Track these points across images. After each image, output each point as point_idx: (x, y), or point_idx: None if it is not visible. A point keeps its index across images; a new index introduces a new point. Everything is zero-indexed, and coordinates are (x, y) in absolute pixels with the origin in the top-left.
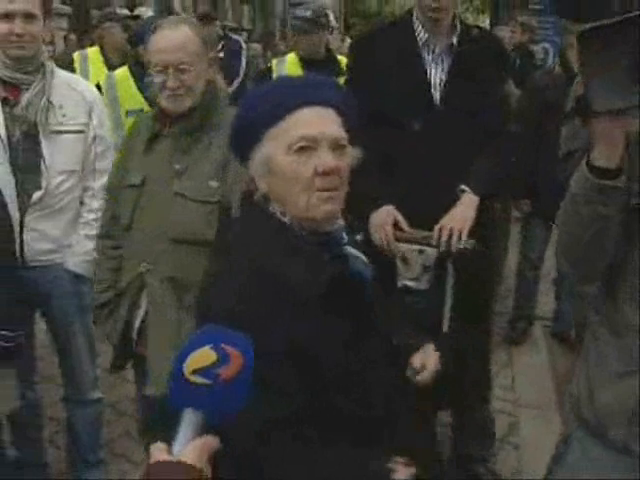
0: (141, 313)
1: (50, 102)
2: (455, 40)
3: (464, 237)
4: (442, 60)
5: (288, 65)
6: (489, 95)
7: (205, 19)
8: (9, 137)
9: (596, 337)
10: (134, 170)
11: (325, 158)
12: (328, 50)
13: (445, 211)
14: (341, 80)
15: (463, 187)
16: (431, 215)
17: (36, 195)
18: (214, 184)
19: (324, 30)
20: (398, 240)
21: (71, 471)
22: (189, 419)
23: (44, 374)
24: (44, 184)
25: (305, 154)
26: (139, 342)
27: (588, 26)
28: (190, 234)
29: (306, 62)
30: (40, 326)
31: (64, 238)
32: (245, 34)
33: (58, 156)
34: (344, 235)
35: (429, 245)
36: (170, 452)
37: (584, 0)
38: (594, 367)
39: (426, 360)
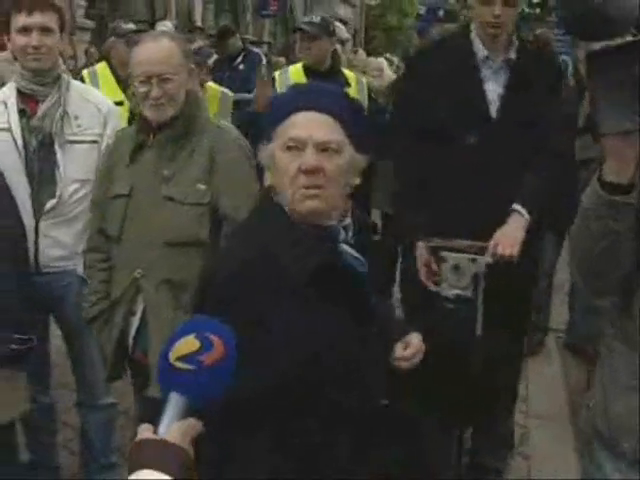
0: (136, 320)
1: (66, 113)
2: (513, 55)
3: (516, 251)
4: (500, 74)
5: (291, 75)
6: (545, 110)
7: (225, 34)
8: (26, 147)
9: (610, 350)
10: (120, 181)
11: (307, 158)
12: (334, 61)
13: (497, 223)
14: (348, 89)
15: (516, 207)
16: (484, 227)
17: (50, 203)
18: (202, 187)
19: (330, 37)
20: (446, 249)
21: (83, 474)
22: (174, 402)
23: (60, 380)
24: (58, 192)
25: (294, 153)
26: (135, 349)
27: (596, 48)
28: (184, 236)
29: (311, 72)
30: (56, 332)
31: (76, 245)
32: (265, 47)
33: (72, 165)
34: (342, 232)
35: (476, 253)
36: (155, 433)
37: (585, 18)
38: (608, 379)
39: (409, 343)
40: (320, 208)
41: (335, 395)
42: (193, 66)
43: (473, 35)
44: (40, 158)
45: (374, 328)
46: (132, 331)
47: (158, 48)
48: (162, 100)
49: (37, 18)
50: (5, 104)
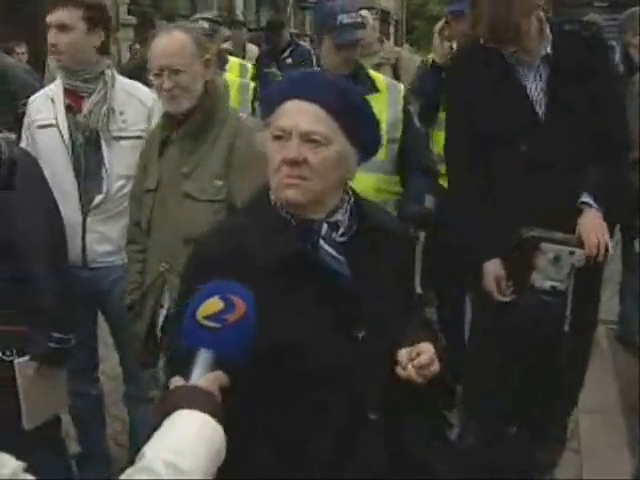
0: (164, 311)
1: (111, 109)
2: (549, 48)
3: (604, 243)
4: (540, 71)
5: None
6: (598, 99)
7: (276, 27)
8: (73, 143)
9: None
10: (150, 175)
11: (289, 148)
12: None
13: (565, 217)
14: (375, 96)
15: (587, 200)
16: (553, 223)
17: (97, 199)
18: (219, 183)
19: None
20: (544, 240)
21: None
22: (202, 357)
23: (108, 373)
24: (105, 188)
25: (280, 142)
26: (163, 339)
27: None
28: (199, 233)
29: None
30: (103, 325)
31: (122, 240)
32: (307, 40)
33: (118, 161)
34: (325, 227)
35: (574, 245)
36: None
37: None
38: None
39: (417, 353)
40: (299, 199)
41: (317, 393)
42: (209, 57)
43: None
44: (87, 154)
45: (361, 332)
46: (160, 322)
47: (170, 41)
48: (175, 92)
49: (56, 15)
50: (52, 101)
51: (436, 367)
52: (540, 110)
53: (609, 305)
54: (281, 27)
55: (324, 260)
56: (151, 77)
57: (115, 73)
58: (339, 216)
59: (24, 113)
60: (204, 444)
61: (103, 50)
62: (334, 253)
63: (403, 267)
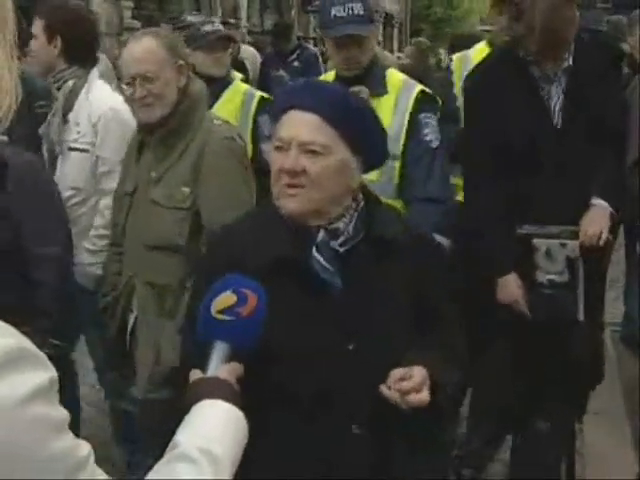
0: (133, 317)
1: (67, 120)
2: (571, 59)
3: (604, 236)
4: (560, 82)
5: None
6: (610, 107)
7: (283, 30)
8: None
9: None
10: (129, 179)
11: (288, 159)
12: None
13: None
14: (381, 100)
15: (595, 201)
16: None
17: None
18: (186, 190)
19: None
20: (536, 236)
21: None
22: (218, 349)
23: None
24: None
25: (281, 152)
26: (132, 344)
27: None
28: (163, 240)
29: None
30: None
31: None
32: (311, 42)
33: (69, 171)
34: (322, 235)
35: (568, 238)
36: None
37: None
38: None
39: (409, 375)
40: (299, 209)
41: (300, 401)
42: (182, 62)
43: (522, 47)
44: (49, 164)
45: (351, 344)
46: (129, 327)
47: (139, 47)
48: (148, 100)
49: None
50: None
51: (423, 396)
52: (558, 120)
53: (613, 307)
54: (288, 30)
55: (315, 269)
56: (124, 86)
57: (91, 82)
58: (340, 224)
59: (44, 115)
60: (231, 431)
61: (71, 58)
62: (324, 262)
63: (418, 282)
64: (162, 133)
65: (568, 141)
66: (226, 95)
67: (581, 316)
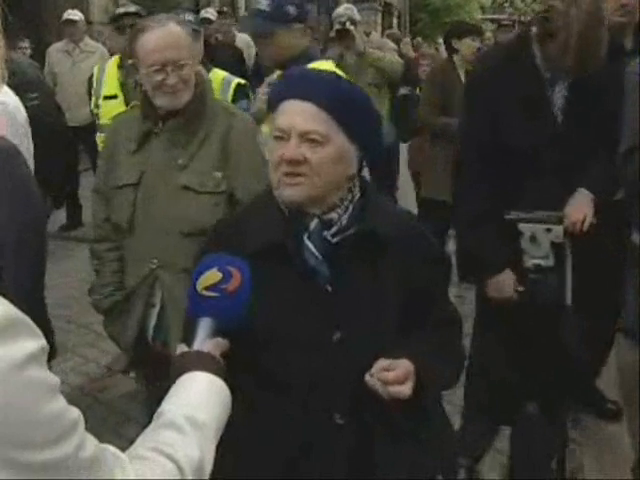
0: (156, 311)
1: None
2: None
3: (588, 221)
4: (563, 81)
5: None
6: (609, 102)
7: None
8: None
9: None
10: (126, 169)
11: (289, 148)
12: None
13: None
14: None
15: (581, 190)
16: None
17: None
18: (218, 175)
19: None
20: (522, 221)
21: None
22: (204, 324)
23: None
24: None
25: (280, 142)
26: (155, 339)
27: None
28: (200, 226)
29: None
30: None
31: None
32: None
33: None
34: (315, 223)
35: (554, 223)
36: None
37: None
38: None
39: (395, 365)
40: (298, 198)
41: (282, 388)
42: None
43: (535, 47)
44: None
45: (336, 334)
46: (152, 322)
47: (169, 34)
48: (179, 86)
49: None
50: None
51: (405, 389)
52: (560, 118)
53: None
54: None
55: (305, 256)
56: (146, 72)
57: None
58: (334, 215)
59: (35, 108)
60: (215, 400)
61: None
62: (314, 250)
63: (410, 278)
64: (182, 119)
65: (568, 140)
66: None
67: (568, 300)
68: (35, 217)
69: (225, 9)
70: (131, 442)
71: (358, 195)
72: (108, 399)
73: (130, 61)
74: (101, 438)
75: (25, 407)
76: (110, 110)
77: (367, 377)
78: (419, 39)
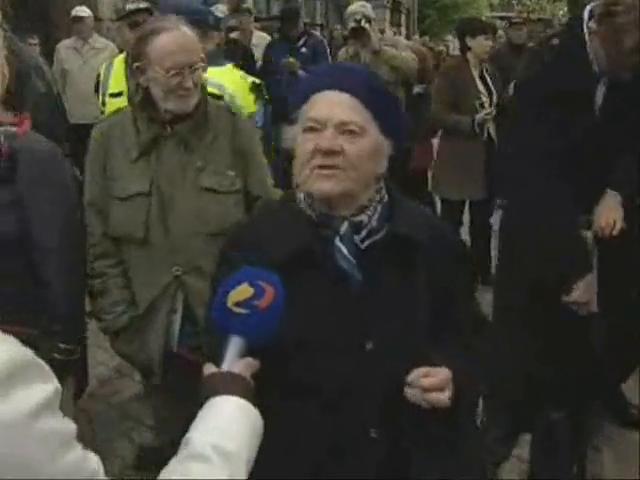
0: (178, 317)
1: None
2: None
3: (618, 226)
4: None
5: None
6: None
7: (291, 15)
8: None
9: None
10: (132, 178)
11: (323, 137)
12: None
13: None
14: None
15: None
16: None
17: None
18: (232, 174)
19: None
20: None
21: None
22: (233, 343)
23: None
24: None
25: (313, 134)
26: (181, 347)
27: None
28: (225, 226)
29: None
30: None
31: None
32: (318, 29)
33: None
34: (345, 226)
35: (583, 227)
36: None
37: None
38: None
39: (432, 373)
40: (333, 190)
41: (313, 400)
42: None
43: (589, 49)
44: None
45: (369, 342)
46: (176, 328)
47: (184, 37)
48: (193, 90)
49: None
50: None
51: (445, 397)
52: (598, 111)
53: None
54: (296, 16)
55: (336, 260)
56: (162, 75)
57: None
58: (364, 217)
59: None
60: (245, 427)
61: None
62: (347, 254)
63: (440, 283)
64: (192, 122)
65: (604, 140)
66: None
67: (594, 307)
68: (79, 227)
69: (245, 6)
70: (141, 448)
71: (386, 196)
72: (119, 402)
73: (137, 64)
74: (113, 444)
75: (40, 462)
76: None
77: (406, 389)
78: (426, 37)
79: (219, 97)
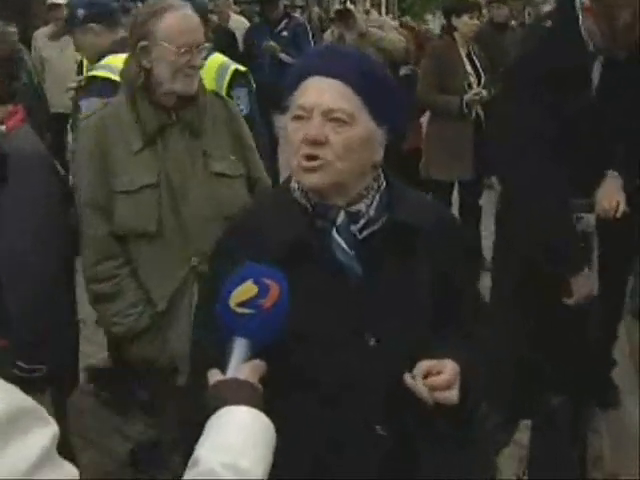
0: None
1: None
2: None
3: (621, 208)
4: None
5: None
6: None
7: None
8: None
9: None
10: (138, 171)
11: (310, 127)
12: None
13: None
14: None
15: (610, 173)
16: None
17: None
18: (233, 158)
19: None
20: None
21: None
22: (238, 346)
23: None
24: None
25: (301, 122)
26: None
27: None
28: (237, 209)
29: None
30: None
31: None
32: (298, 11)
33: None
34: (342, 216)
35: (585, 211)
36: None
37: None
38: None
39: (437, 371)
40: (320, 183)
41: (315, 396)
42: None
43: (583, 27)
44: None
45: (372, 337)
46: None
47: (192, 16)
48: (197, 71)
49: None
50: None
51: (453, 394)
52: (595, 90)
53: None
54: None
55: (334, 252)
56: (174, 53)
57: None
58: (362, 206)
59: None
60: (258, 440)
61: None
62: (345, 246)
63: (442, 272)
64: (196, 107)
65: (600, 120)
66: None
67: (595, 291)
68: (49, 226)
69: None
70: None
71: (384, 184)
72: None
73: (143, 43)
74: (104, 439)
75: None
76: None
77: (408, 379)
78: (407, 17)
79: None
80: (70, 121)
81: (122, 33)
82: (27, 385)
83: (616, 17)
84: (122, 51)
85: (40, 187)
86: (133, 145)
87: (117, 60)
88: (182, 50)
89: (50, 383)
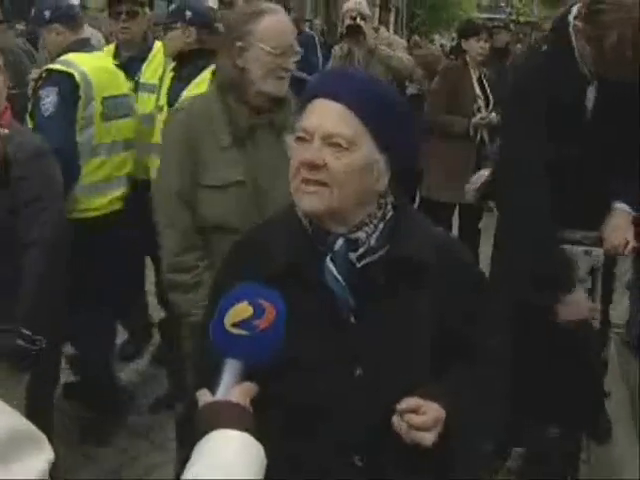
0: None
1: None
2: None
3: (631, 246)
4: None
5: None
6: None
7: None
8: None
9: None
10: (227, 166)
11: (309, 150)
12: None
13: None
14: None
15: (618, 205)
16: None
17: None
18: None
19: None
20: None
21: None
22: (230, 367)
23: None
24: None
25: (303, 144)
26: None
27: None
28: None
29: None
30: None
31: None
32: (307, 24)
33: None
34: (339, 243)
35: (592, 244)
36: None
37: None
38: None
39: (422, 410)
40: (316, 208)
41: (297, 423)
42: None
43: (577, 54)
44: None
45: (358, 368)
46: None
47: (288, 20)
48: (288, 74)
49: None
50: None
51: (429, 437)
52: (591, 119)
53: (618, 306)
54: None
55: (325, 280)
56: (271, 54)
57: None
58: (362, 234)
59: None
60: (250, 465)
61: None
62: (336, 274)
63: (446, 308)
64: (283, 108)
65: (597, 145)
66: (206, 74)
67: (597, 323)
68: (59, 219)
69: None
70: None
71: (390, 213)
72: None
73: (240, 43)
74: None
75: None
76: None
77: (393, 418)
78: (416, 37)
79: None
80: (29, 109)
81: (83, 34)
82: (20, 359)
83: (607, 39)
84: (81, 50)
85: (48, 180)
86: (222, 141)
87: (75, 57)
88: (277, 52)
89: (35, 364)
